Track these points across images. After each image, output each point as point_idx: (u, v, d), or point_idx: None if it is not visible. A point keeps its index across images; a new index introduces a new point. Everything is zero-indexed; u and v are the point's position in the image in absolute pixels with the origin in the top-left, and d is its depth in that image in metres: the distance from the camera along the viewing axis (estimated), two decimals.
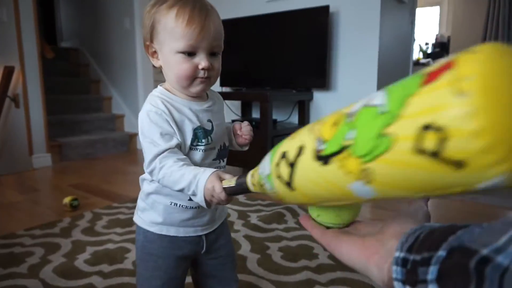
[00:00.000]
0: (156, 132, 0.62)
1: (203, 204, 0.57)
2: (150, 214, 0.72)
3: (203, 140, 0.67)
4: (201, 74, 0.64)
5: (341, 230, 0.40)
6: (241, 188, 0.51)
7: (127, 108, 3.82)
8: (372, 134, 0.25)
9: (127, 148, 3.61)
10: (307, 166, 0.32)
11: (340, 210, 0.39)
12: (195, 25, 0.60)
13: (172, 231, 0.72)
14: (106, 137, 3.44)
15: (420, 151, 0.22)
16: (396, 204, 2.06)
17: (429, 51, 5.51)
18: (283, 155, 0.36)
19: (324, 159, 0.30)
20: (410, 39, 2.97)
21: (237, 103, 2.83)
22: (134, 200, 2.03)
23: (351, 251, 0.34)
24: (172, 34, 0.62)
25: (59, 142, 3.10)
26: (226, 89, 2.82)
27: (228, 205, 1.58)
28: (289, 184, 0.35)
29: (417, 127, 0.22)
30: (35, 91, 2.86)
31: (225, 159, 0.73)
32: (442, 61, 0.23)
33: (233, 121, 2.47)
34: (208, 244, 0.76)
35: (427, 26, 5.84)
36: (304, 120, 2.50)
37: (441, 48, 5.47)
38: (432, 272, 0.25)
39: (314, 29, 2.35)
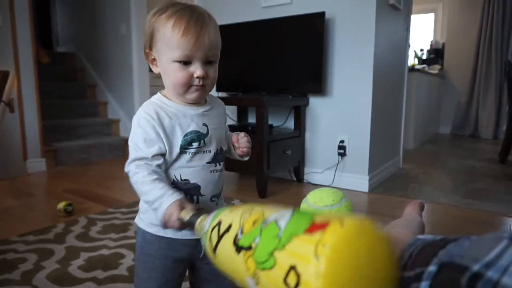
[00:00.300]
0: (141, 137, 0.66)
1: (161, 223, 0.62)
2: (150, 216, 0.72)
3: (193, 144, 0.69)
4: (196, 82, 0.66)
5: None
6: (191, 226, 0.55)
7: (123, 113, 3.81)
8: (267, 250, 0.32)
9: (123, 153, 3.59)
10: (227, 246, 0.39)
11: None
12: (190, 35, 0.63)
13: (169, 233, 0.72)
14: (101, 142, 3.42)
15: (285, 282, 0.29)
16: (392, 211, 2.06)
17: (424, 57, 5.56)
18: (219, 224, 0.43)
19: (238, 248, 0.37)
20: (405, 45, 3.00)
21: (233, 108, 2.83)
22: (129, 205, 2.03)
23: None
24: (168, 43, 0.64)
25: (54, 147, 3.08)
26: (222, 94, 2.82)
27: None
28: (214, 250, 0.42)
29: (289, 264, 0.29)
30: (30, 96, 2.85)
31: (221, 163, 0.74)
32: (322, 219, 0.30)
33: (229, 126, 2.47)
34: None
35: (422, 32, 5.90)
36: (300, 125, 2.50)
37: (436, 55, 5.53)
38: (423, 287, 0.25)
39: (310, 35, 2.36)
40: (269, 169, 2.20)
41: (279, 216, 0.35)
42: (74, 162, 3.17)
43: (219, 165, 0.74)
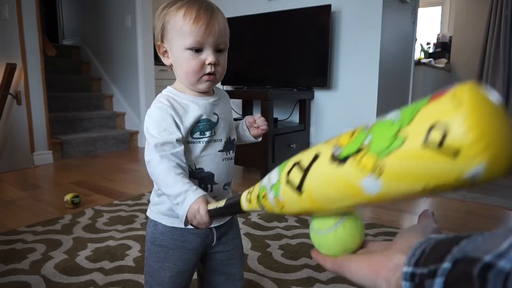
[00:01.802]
0: (161, 126, 0.66)
1: (182, 219, 0.60)
2: (161, 207, 0.74)
3: (206, 133, 0.71)
4: (208, 69, 0.68)
5: (350, 253, 0.40)
6: (230, 208, 0.53)
7: (128, 106, 3.82)
8: (388, 135, 0.31)
9: (128, 146, 3.61)
10: (322, 169, 0.36)
11: (343, 244, 0.40)
12: (201, 22, 0.65)
13: (181, 224, 0.72)
14: (107, 135, 3.44)
15: (427, 144, 0.28)
16: (396, 205, 2.06)
17: (431, 50, 5.51)
18: (297, 163, 0.39)
19: (340, 160, 0.34)
20: (412, 38, 2.97)
21: (238, 102, 2.83)
22: (135, 198, 2.04)
23: (359, 268, 0.35)
24: (180, 32, 0.67)
25: (61, 140, 3.11)
26: (227, 88, 2.82)
27: None
28: (299, 187, 0.38)
29: (426, 127, 0.28)
30: (36, 89, 2.87)
31: (232, 151, 0.76)
32: (443, 90, 0.30)
33: (234, 119, 2.47)
34: (218, 237, 0.77)
35: (429, 26, 5.84)
36: (305, 119, 2.50)
37: (443, 48, 5.47)
38: (438, 283, 0.25)
39: (315, 28, 2.35)
40: (273, 162, 2.20)
41: (381, 118, 0.34)
42: (80, 155, 3.20)
43: (230, 153, 0.76)
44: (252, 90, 2.51)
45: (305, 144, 2.52)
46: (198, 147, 0.71)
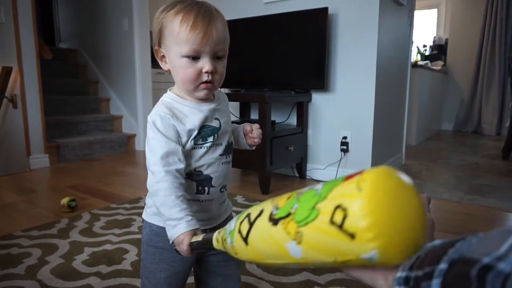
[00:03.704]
0: (160, 136, 0.66)
1: (170, 240, 0.63)
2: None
3: (208, 138, 0.71)
4: (205, 77, 0.67)
5: None
6: (205, 243, 0.56)
7: (125, 109, 3.81)
8: (308, 207, 0.34)
9: (125, 149, 3.60)
10: (261, 225, 0.40)
11: None
12: (198, 30, 0.64)
13: None
14: (104, 138, 3.43)
15: (332, 223, 0.31)
16: None
17: (427, 53, 5.54)
18: (248, 215, 0.44)
19: (274, 221, 0.38)
20: (408, 41, 2.98)
21: (236, 104, 2.83)
22: (132, 201, 2.03)
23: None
24: (177, 39, 0.65)
25: (57, 143, 3.09)
26: (224, 90, 2.82)
27: None
28: (245, 239, 0.43)
29: (333, 206, 0.31)
30: (33, 92, 2.85)
31: (230, 155, 0.77)
32: (358, 172, 0.33)
33: (232, 122, 2.46)
34: None
35: (425, 28, 5.87)
36: (302, 122, 2.50)
37: (439, 50, 5.50)
38: (435, 284, 0.25)
39: (313, 31, 2.35)
40: (271, 165, 2.20)
41: (313, 186, 0.38)
42: (77, 158, 3.18)
43: (229, 157, 0.76)
44: (249, 93, 2.51)
45: (303, 147, 2.52)
46: (199, 152, 0.71)
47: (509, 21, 4.95)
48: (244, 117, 2.79)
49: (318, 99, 2.51)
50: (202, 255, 0.79)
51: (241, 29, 2.67)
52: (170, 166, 0.64)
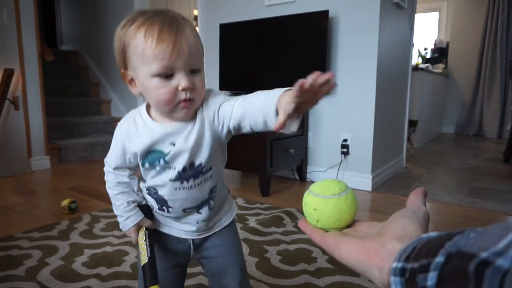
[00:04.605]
0: (112, 147, 0.71)
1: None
2: None
3: (154, 163, 0.66)
4: (183, 95, 0.59)
5: (340, 232, 0.40)
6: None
7: (126, 111, 3.78)
8: None
9: None
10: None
11: (340, 214, 0.40)
12: (166, 43, 0.55)
13: (157, 227, 0.76)
14: (105, 140, 3.43)
15: None
16: (395, 209, 2.05)
17: (428, 56, 5.54)
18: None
19: None
20: (409, 44, 2.99)
21: None
22: None
23: (351, 253, 0.34)
24: (143, 56, 0.57)
25: (58, 145, 3.10)
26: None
27: None
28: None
29: None
30: (34, 94, 2.86)
31: (191, 180, 0.66)
32: None
33: None
34: (195, 246, 0.77)
35: (426, 31, 5.87)
36: (303, 124, 2.50)
37: (440, 53, 5.50)
38: (431, 278, 0.25)
39: (313, 33, 2.36)
40: (272, 167, 2.20)
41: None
42: (78, 160, 3.19)
43: (187, 182, 0.66)
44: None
45: (303, 149, 2.52)
46: (151, 172, 0.68)
47: (510, 24, 4.95)
48: None
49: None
50: (197, 260, 0.80)
51: (242, 31, 2.68)
52: (119, 178, 0.72)
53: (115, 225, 1.71)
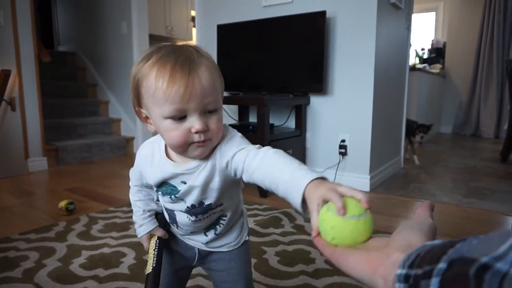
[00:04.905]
0: (133, 169, 0.76)
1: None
2: None
3: (166, 195, 0.68)
4: (196, 138, 0.56)
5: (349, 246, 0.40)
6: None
7: (124, 112, 3.81)
8: None
9: (124, 152, 3.60)
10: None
11: (358, 236, 0.39)
12: (177, 85, 0.52)
13: (178, 233, 0.79)
14: (102, 141, 3.43)
15: None
16: (393, 210, 2.06)
17: (425, 56, 5.55)
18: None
19: None
20: (406, 44, 2.99)
21: (234, 108, 2.83)
22: (130, 205, 2.03)
23: (358, 264, 0.35)
24: (155, 98, 0.55)
25: (55, 146, 3.09)
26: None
27: None
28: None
29: None
30: (31, 95, 2.85)
31: (199, 215, 0.67)
32: None
33: (231, 125, 2.47)
34: (200, 256, 0.78)
35: (423, 31, 5.89)
36: (301, 125, 2.50)
37: (437, 54, 5.52)
38: (434, 283, 0.26)
39: (311, 34, 2.36)
40: None
41: None
42: (75, 161, 3.18)
43: (196, 217, 0.68)
44: (248, 96, 2.52)
45: (302, 150, 2.52)
46: (163, 198, 0.70)
47: (507, 25, 4.97)
48: (243, 121, 2.80)
49: (316, 102, 2.52)
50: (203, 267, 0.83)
51: (240, 32, 2.68)
52: (140, 189, 0.77)
53: (113, 227, 1.70)
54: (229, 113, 2.81)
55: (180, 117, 0.55)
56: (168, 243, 0.78)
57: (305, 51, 2.39)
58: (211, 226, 0.72)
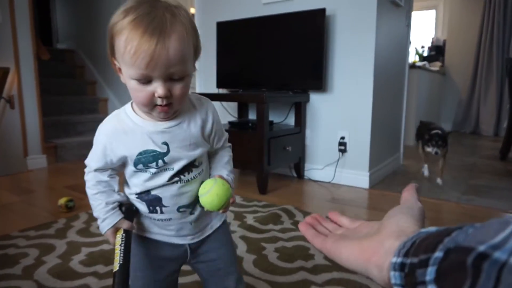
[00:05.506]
0: (93, 149, 0.69)
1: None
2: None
3: (149, 165, 0.64)
4: (159, 102, 0.58)
5: (339, 235, 0.40)
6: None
7: None
8: None
9: None
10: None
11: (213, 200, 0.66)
12: (143, 54, 0.53)
13: (148, 234, 0.73)
14: None
15: None
16: (392, 207, 2.06)
17: (425, 54, 5.55)
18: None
19: None
20: (406, 42, 2.99)
21: (234, 105, 2.83)
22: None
23: (351, 255, 0.35)
24: (123, 59, 0.56)
25: (54, 144, 3.09)
26: (222, 91, 2.82)
27: None
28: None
29: None
30: (30, 92, 2.85)
31: (186, 174, 0.68)
32: None
33: (230, 123, 2.48)
34: (192, 250, 0.75)
35: (423, 29, 5.89)
36: (300, 122, 2.50)
37: (437, 51, 5.51)
38: (430, 273, 0.25)
39: (310, 32, 2.36)
40: (269, 165, 2.20)
41: None
42: (74, 158, 3.18)
43: (186, 175, 0.67)
44: (247, 93, 2.51)
45: (301, 147, 2.52)
46: (143, 176, 0.66)
47: (507, 23, 4.96)
48: (242, 118, 2.80)
49: (316, 99, 2.52)
50: (191, 264, 0.78)
51: (239, 29, 2.68)
52: (98, 177, 0.69)
53: None
54: (229, 110, 2.80)
55: (144, 81, 0.57)
56: (150, 249, 0.73)
57: (305, 48, 2.39)
58: (195, 201, 0.70)
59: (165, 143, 0.64)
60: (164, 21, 0.54)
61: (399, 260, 0.29)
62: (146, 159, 0.64)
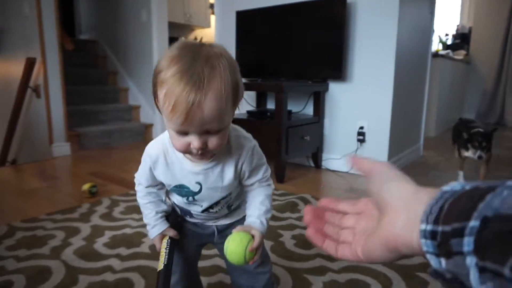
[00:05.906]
0: (140, 168, 0.75)
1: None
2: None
3: (183, 198, 0.73)
4: (195, 152, 0.61)
5: (359, 237, 0.37)
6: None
7: (143, 99, 3.87)
8: None
9: (143, 138, 3.67)
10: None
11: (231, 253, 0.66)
12: (178, 113, 0.55)
13: (194, 219, 0.82)
14: (122, 127, 3.50)
15: None
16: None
17: (449, 42, 5.38)
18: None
19: None
20: (429, 30, 2.91)
21: (253, 94, 2.84)
22: None
23: (382, 254, 0.33)
24: (162, 110, 0.59)
25: (78, 132, 3.18)
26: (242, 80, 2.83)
27: None
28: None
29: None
30: (55, 82, 2.93)
31: (214, 207, 0.75)
32: None
33: (248, 112, 2.49)
34: (219, 231, 0.82)
35: (448, 16, 5.70)
36: (319, 111, 2.49)
37: (462, 39, 5.34)
38: (468, 243, 0.23)
39: (330, 20, 2.33)
40: (287, 154, 2.21)
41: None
42: (96, 147, 3.27)
43: (214, 207, 0.75)
44: (266, 83, 2.52)
45: (319, 137, 2.51)
46: (176, 197, 0.75)
47: None
48: (261, 107, 2.80)
49: (335, 88, 2.49)
50: (217, 244, 0.85)
51: (259, 18, 2.67)
52: (149, 189, 0.77)
53: (134, 209, 1.75)
54: (247, 100, 2.81)
55: (181, 133, 0.59)
56: (185, 229, 0.82)
57: (324, 37, 2.37)
58: (221, 210, 0.78)
59: (199, 183, 0.70)
60: (202, 79, 0.54)
61: (429, 227, 0.27)
62: (180, 193, 0.72)
